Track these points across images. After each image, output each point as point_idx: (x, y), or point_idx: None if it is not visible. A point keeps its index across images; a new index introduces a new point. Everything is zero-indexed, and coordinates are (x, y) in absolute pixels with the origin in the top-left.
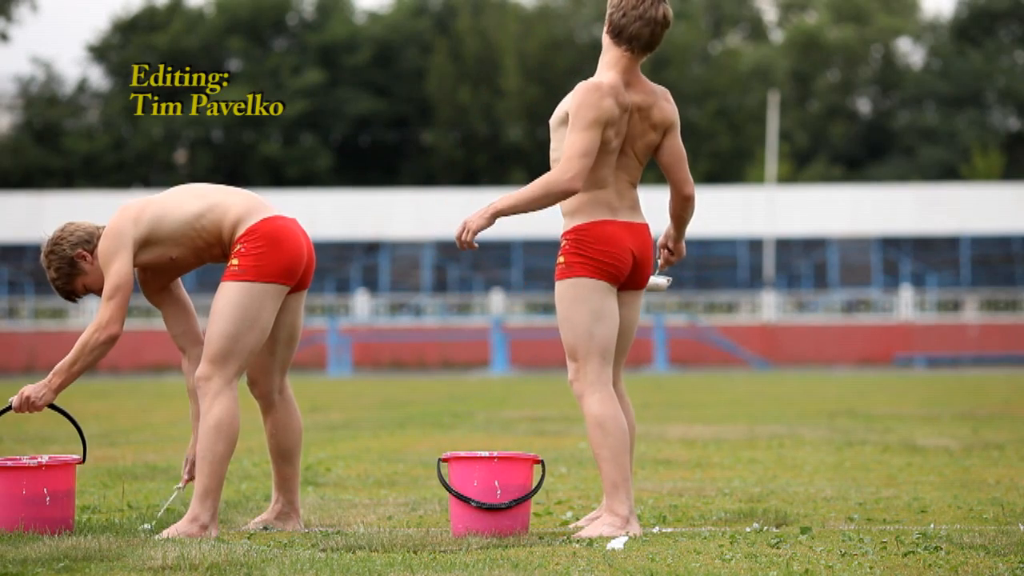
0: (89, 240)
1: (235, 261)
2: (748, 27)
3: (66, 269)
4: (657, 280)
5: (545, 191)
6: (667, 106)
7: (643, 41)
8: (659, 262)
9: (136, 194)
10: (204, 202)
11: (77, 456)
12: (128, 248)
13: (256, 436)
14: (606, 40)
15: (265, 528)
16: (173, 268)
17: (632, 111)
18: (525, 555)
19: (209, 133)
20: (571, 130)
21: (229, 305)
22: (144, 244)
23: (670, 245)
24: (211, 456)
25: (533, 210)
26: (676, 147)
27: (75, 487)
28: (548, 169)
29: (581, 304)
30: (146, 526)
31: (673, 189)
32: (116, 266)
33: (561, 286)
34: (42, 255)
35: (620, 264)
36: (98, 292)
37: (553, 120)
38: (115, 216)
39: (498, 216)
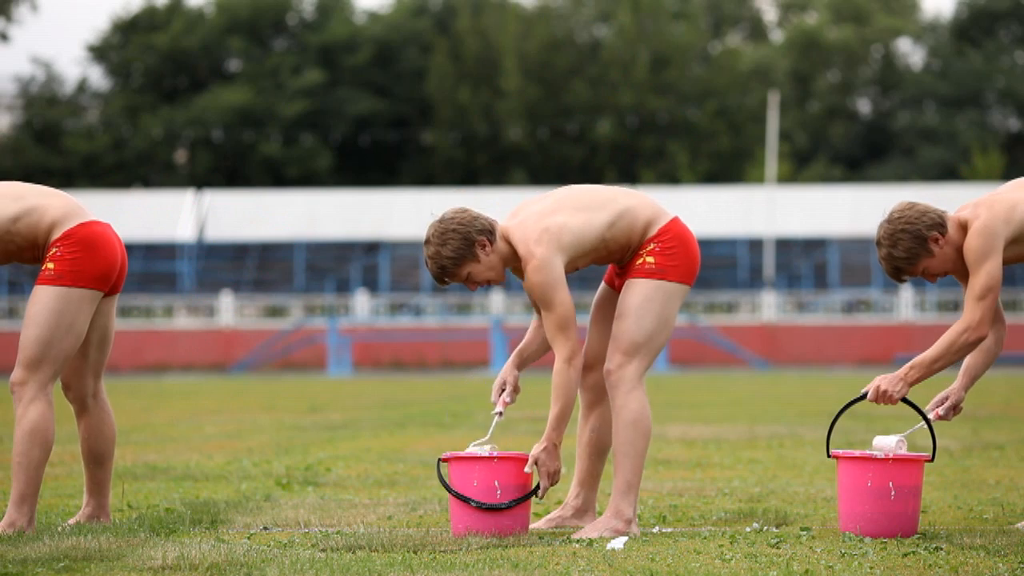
0: None
1: (51, 265)
2: (748, 27)
3: None
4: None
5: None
6: None
7: None
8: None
9: (136, 194)
10: (20, 205)
11: None
12: None
13: (256, 436)
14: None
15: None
16: None
17: None
18: (525, 555)
19: (209, 133)
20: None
21: (44, 311)
22: None
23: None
24: (26, 461)
25: None
26: None
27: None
28: (546, 169)
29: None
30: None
31: None
32: None
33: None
34: None
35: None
36: None
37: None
38: None
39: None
